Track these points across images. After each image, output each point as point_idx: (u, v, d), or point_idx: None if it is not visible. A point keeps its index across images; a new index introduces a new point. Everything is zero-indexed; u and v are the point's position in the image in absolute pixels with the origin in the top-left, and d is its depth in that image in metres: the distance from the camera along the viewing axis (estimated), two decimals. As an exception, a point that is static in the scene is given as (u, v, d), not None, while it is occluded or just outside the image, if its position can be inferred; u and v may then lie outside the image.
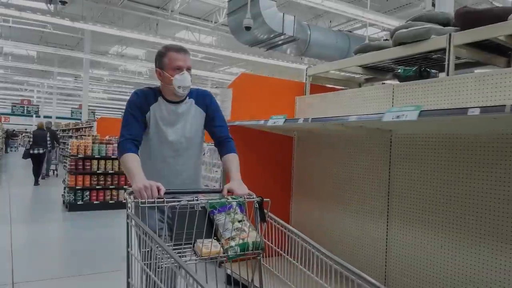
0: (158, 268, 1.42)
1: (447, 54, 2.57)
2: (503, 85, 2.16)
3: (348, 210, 3.11)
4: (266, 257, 1.72)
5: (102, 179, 6.84)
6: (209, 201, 1.63)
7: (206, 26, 16.64)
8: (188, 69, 1.92)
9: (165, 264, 1.36)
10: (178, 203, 1.52)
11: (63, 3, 7.43)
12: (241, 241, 1.58)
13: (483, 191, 2.21)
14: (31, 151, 9.76)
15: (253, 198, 1.70)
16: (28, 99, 28.91)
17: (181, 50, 1.92)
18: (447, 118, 1.78)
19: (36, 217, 6.17)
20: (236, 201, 1.66)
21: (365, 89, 3.10)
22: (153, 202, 1.58)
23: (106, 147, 6.91)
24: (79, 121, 19.28)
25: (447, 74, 2.55)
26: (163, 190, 1.63)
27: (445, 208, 2.41)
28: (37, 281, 3.45)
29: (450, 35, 2.55)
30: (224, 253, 1.57)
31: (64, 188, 7.01)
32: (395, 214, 2.73)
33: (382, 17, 9.11)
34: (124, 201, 5.97)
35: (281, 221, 1.67)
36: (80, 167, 6.67)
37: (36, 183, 9.68)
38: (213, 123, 2.05)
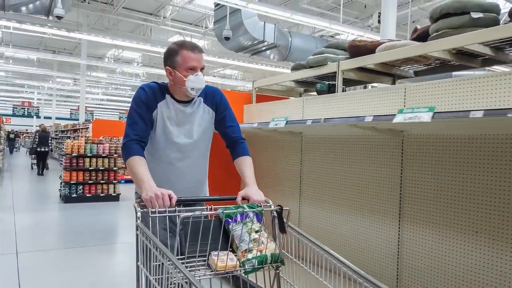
0: (170, 284, 1.33)
1: (337, 76, 3.47)
2: (374, 100, 3.04)
3: (278, 192, 4.02)
4: (285, 269, 1.61)
5: (93, 174, 7.78)
6: (225, 211, 1.52)
7: (197, 31, 17.53)
8: (202, 69, 1.79)
9: (177, 280, 1.26)
10: (191, 213, 1.42)
11: (59, 18, 8.31)
12: (258, 254, 1.48)
13: (353, 176, 3.11)
14: (37, 149, 12.52)
15: (270, 205, 1.64)
16: (29, 101, 29.78)
17: (195, 48, 1.78)
18: (299, 126, 2.68)
19: (35, 207, 7.11)
20: (253, 211, 1.57)
21: (286, 101, 4.00)
22: (164, 212, 1.50)
23: (97, 147, 7.83)
24: (77, 122, 20.16)
25: (337, 91, 3.46)
26: (174, 198, 1.54)
27: (332, 188, 3.31)
28: (36, 252, 4.38)
29: (338, 62, 3.46)
30: (240, 267, 1.46)
31: (61, 183, 7.94)
32: (304, 193, 3.64)
33: (347, 27, 9.99)
34: (114, 194, 6.96)
35: (302, 232, 1.59)
36: (74, 164, 7.60)
37: (40, 173, 12.61)
38: (223, 123, 1.94)
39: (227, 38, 10.34)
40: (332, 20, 14.43)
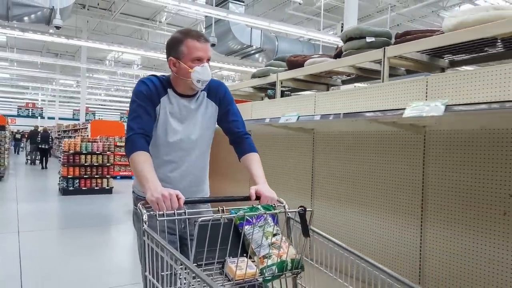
0: None
1: (276, 85, 4.27)
2: (298, 104, 3.82)
3: (233, 180, 4.82)
4: (303, 275, 1.50)
5: (88, 170, 8.64)
6: (246, 213, 1.40)
7: (191, 35, 18.31)
8: (208, 60, 1.68)
9: None
10: (210, 217, 1.31)
11: (58, 28, 9.15)
12: (278, 260, 1.37)
13: (283, 165, 3.90)
14: (39, 146, 15.00)
15: (284, 205, 1.55)
16: (33, 102, 30.71)
17: (201, 37, 1.66)
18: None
19: (36, 199, 7.98)
20: (274, 213, 1.45)
21: (241, 105, 4.79)
22: (173, 214, 1.39)
23: (91, 145, 8.68)
24: (77, 122, 21.06)
25: (275, 97, 4.25)
26: (182, 199, 1.43)
27: (268, 175, 4.11)
28: (36, 231, 5.21)
29: (277, 74, 4.25)
30: (259, 275, 1.35)
31: (59, 178, 8.79)
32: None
33: (322, 34, 10.74)
34: (107, 187, 7.84)
35: (325, 235, 1.46)
36: (71, 160, 8.46)
37: (43, 167, 14.92)
38: (227, 117, 1.84)
39: (212, 45, 11.15)
40: (317, 25, 15.22)
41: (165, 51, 1.76)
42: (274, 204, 1.53)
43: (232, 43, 13.60)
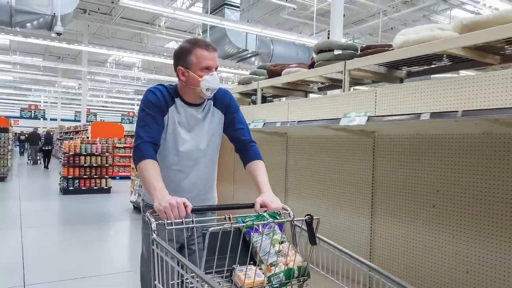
0: None
1: (257, 91, 4.65)
2: (276, 111, 4.20)
3: (219, 181, 5.20)
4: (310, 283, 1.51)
5: (88, 170, 9.04)
6: (255, 221, 1.42)
7: (190, 39, 18.68)
8: (216, 68, 1.72)
9: None
10: (220, 226, 1.33)
11: (59, 34, 9.56)
12: (285, 267, 1.40)
13: (267, 166, 4.27)
14: (43, 148, 16.35)
15: (288, 213, 1.57)
16: (36, 104, 31.18)
17: (209, 46, 1.71)
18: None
19: (38, 197, 8.39)
20: (282, 221, 1.47)
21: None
22: (181, 223, 1.39)
23: (91, 146, 9.09)
24: (78, 124, 21.50)
25: (256, 103, 4.63)
26: (190, 207, 1.44)
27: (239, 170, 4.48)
28: (38, 227, 5.60)
29: (258, 82, 4.63)
30: (267, 282, 1.36)
31: (60, 178, 9.20)
32: (236, 179, 4.82)
33: (313, 39, 11.12)
34: (105, 187, 8.30)
35: (331, 242, 1.49)
36: (71, 161, 8.86)
37: (46, 167, 15.96)
38: (232, 125, 1.86)
39: (207, 50, 11.51)
40: (312, 29, 15.59)
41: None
42: (279, 212, 1.55)
43: (228, 47, 13.99)
